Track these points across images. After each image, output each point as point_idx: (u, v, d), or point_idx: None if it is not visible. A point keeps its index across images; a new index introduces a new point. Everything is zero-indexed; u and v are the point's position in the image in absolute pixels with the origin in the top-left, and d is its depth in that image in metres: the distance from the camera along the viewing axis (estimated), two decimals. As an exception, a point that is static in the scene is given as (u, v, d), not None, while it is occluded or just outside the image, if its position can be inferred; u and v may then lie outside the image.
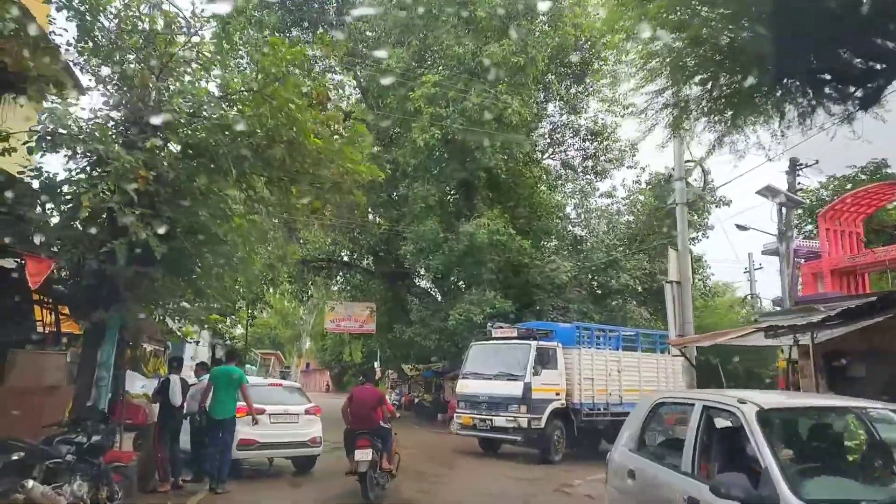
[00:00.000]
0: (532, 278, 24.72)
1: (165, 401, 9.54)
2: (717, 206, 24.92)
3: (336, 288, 32.17)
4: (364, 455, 8.94)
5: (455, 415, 15.97)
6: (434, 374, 33.95)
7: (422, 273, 25.85)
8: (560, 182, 29.66)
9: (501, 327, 16.13)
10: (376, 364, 63.07)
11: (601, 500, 7.22)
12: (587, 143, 29.94)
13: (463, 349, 24.37)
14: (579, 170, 29.46)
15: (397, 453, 10.13)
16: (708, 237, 25.94)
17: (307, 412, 11.84)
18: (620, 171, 30.31)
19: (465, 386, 15.86)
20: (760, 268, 31.37)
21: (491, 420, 14.85)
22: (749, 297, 30.27)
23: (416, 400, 36.44)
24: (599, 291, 24.46)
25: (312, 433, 11.68)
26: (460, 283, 25.43)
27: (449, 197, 24.58)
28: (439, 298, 26.44)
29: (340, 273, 31.07)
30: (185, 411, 9.93)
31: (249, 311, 31.48)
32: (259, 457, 11.65)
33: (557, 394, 15.17)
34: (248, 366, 43.50)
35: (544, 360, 14.94)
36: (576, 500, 10.84)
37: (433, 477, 12.36)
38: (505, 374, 15.05)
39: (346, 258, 29.27)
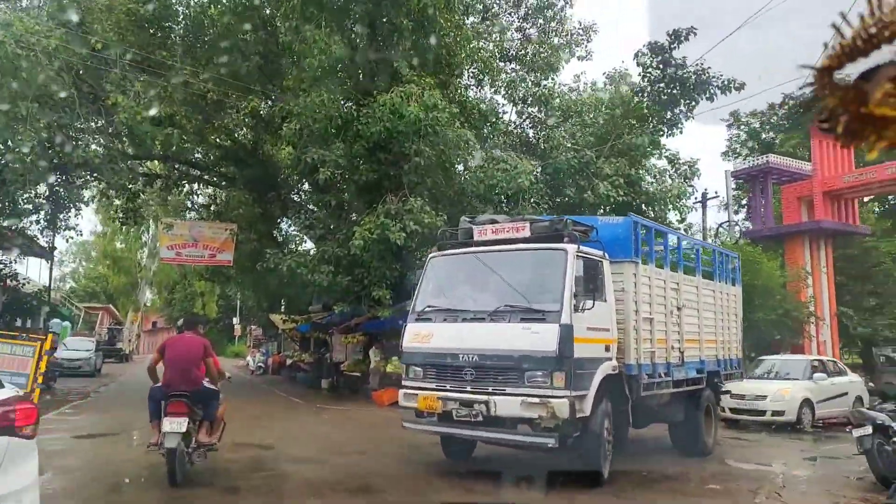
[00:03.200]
0: (472, 186, 17.14)
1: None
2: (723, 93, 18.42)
3: (179, 204, 22.51)
4: (176, 425, 6.77)
5: (403, 392, 8.07)
6: (313, 328, 25.63)
7: (308, 175, 17.30)
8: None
9: (495, 221, 8.27)
10: (235, 320, 53.50)
11: None
12: (527, 24, 22.54)
13: (372, 287, 16.49)
14: (520, 57, 21.90)
15: (223, 421, 7.78)
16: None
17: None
18: (570, 65, 22.87)
19: (421, 336, 7.93)
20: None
21: (486, 404, 7.13)
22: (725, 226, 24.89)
23: (290, 362, 27.94)
24: (566, 208, 17.34)
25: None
26: (366, 193, 17.27)
27: (355, 53, 16.10)
28: (329, 216, 18.04)
29: (185, 184, 21.63)
30: None
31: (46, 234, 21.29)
32: None
33: (607, 348, 7.75)
34: (55, 320, 32.51)
35: (588, 283, 7.39)
36: None
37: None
38: (514, 312, 7.35)
39: (196, 160, 19.86)
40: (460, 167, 17.90)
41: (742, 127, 35.43)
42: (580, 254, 7.54)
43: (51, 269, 27.63)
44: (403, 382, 8.19)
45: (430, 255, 8.67)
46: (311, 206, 18.38)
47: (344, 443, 11.18)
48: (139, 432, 10.22)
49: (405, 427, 8.09)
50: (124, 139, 16.01)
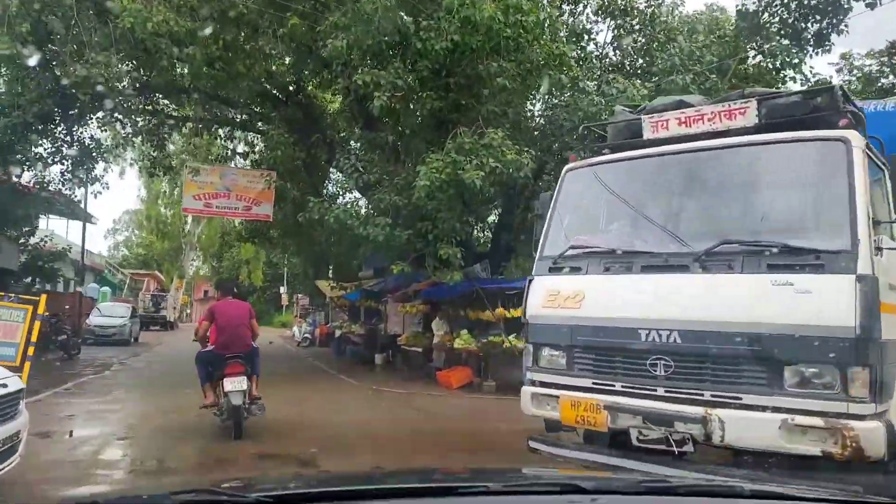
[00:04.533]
0: (563, 117, 13.64)
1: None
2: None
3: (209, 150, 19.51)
4: (238, 383, 7.38)
5: (531, 392, 4.78)
6: (364, 296, 22.69)
7: (358, 105, 14.05)
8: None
9: (685, 105, 4.80)
10: (282, 289, 51.34)
11: None
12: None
13: (439, 244, 13.29)
14: None
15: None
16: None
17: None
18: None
19: (564, 297, 4.56)
20: None
21: (704, 422, 3.79)
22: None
23: (339, 334, 25.14)
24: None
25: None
26: (430, 129, 13.92)
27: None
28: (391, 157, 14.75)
29: (217, 129, 18.69)
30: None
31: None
32: None
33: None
34: (91, 285, 30.57)
35: (877, 205, 3.96)
36: None
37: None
38: (751, 253, 3.94)
39: (228, 97, 16.76)
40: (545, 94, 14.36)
41: (854, 72, 30.47)
42: (869, 152, 4.08)
43: (83, 229, 25.33)
44: (529, 374, 4.88)
45: (568, 168, 5.26)
46: (360, 151, 15.16)
47: (428, 445, 8.09)
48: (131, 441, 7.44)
49: (533, 448, 4.77)
50: (132, 60, 13.06)
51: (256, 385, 7.84)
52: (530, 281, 4.89)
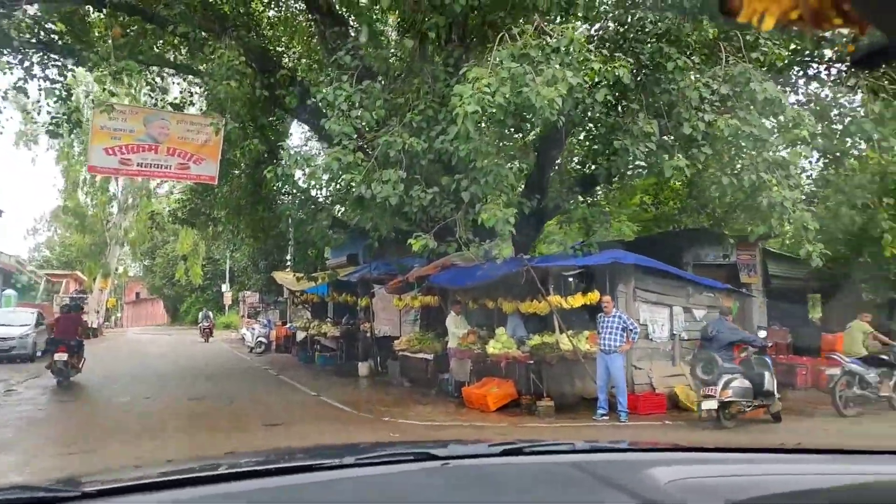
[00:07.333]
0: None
1: None
2: None
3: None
4: (62, 356, 12.87)
5: None
6: (335, 288, 18.14)
7: None
8: None
9: None
10: (224, 286, 45.82)
11: None
12: None
13: (481, 203, 9.01)
14: None
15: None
16: None
17: None
18: None
19: None
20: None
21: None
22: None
23: (304, 336, 20.50)
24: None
25: None
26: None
27: None
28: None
29: (140, 56, 13.64)
30: None
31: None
32: None
33: None
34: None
35: None
36: None
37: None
38: None
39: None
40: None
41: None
42: None
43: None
44: None
45: None
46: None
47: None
48: None
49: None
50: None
51: (79, 359, 13.66)
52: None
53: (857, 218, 9.80)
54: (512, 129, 10.49)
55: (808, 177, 12.01)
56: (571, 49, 7.97)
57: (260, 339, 23.56)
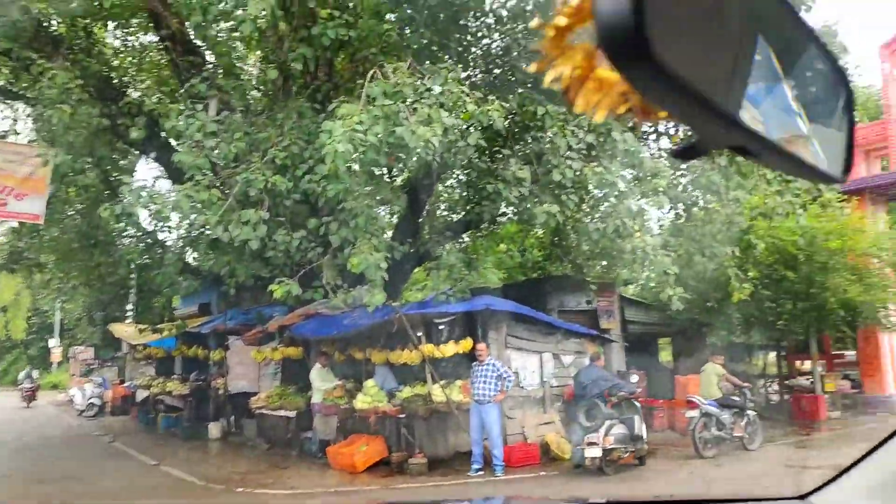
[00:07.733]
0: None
1: None
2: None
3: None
4: None
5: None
6: (184, 341, 16.54)
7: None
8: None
9: None
10: (52, 341, 40.80)
11: None
12: None
13: (353, 247, 8.41)
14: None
15: None
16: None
17: None
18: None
19: None
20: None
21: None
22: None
23: (144, 396, 18.40)
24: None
25: None
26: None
27: None
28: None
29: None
30: None
31: None
32: None
33: None
34: None
35: None
36: None
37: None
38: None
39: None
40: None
41: None
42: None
43: None
44: None
45: None
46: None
47: None
48: None
49: None
50: None
51: None
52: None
53: (708, 265, 10.36)
54: (385, 170, 10.13)
55: (660, 226, 12.67)
56: (446, 89, 7.79)
57: (92, 400, 20.83)
